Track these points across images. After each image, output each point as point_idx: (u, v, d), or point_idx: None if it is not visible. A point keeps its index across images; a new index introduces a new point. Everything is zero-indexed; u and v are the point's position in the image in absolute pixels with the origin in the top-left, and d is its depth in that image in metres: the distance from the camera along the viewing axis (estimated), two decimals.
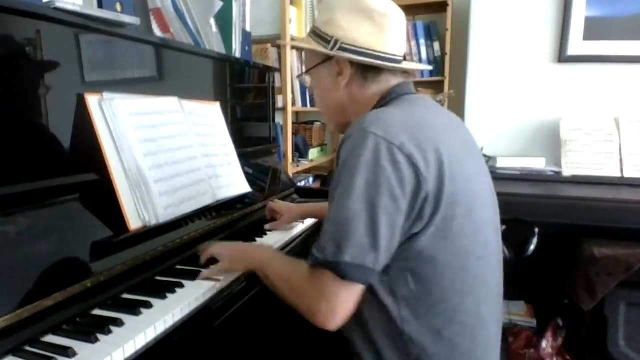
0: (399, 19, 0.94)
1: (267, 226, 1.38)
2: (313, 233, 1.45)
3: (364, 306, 0.83)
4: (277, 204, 1.45)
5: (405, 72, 0.98)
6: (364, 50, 0.91)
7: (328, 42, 0.93)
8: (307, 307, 0.81)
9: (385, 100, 0.93)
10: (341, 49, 0.91)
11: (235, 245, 1.08)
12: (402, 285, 0.81)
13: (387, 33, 0.92)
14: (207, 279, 0.96)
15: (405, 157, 0.77)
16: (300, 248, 1.34)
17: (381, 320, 0.83)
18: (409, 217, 0.78)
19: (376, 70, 0.93)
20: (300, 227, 1.44)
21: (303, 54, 2.53)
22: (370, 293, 0.82)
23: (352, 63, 0.93)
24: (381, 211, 0.75)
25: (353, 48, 0.91)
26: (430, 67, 0.89)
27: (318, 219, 1.48)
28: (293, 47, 2.30)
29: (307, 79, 1.04)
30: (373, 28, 0.91)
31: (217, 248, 1.03)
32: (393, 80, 0.95)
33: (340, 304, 0.77)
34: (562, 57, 2.13)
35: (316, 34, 0.96)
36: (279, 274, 0.90)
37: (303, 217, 1.45)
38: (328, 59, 0.95)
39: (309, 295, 0.80)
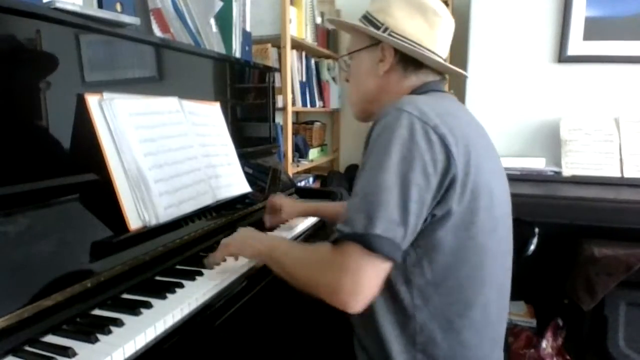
0: (450, 23, 0.96)
1: (265, 220, 1.36)
2: (314, 233, 1.45)
3: None
4: (279, 199, 1.41)
5: (441, 74, 0.99)
6: (410, 42, 0.92)
7: (378, 27, 0.94)
8: (327, 284, 0.76)
9: (416, 92, 0.94)
10: (390, 36, 0.93)
11: (244, 232, 1.05)
12: (418, 274, 0.81)
13: (436, 31, 0.93)
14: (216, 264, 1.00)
15: (439, 138, 0.78)
16: None
17: (391, 307, 0.83)
18: (435, 197, 0.78)
19: (417, 64, 0.95)
20: (301, 226, 1.44)
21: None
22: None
23: (396, 52, 0.94)
24: (413, 186, 0.75)
25: (401, 38, 0.92)
26: (467, 75, 0.89)
27: (320, 217, 1.47)
28: (294, 47, 2.29)
29: (346, 62, 1.05)
30: (424, 24, 0.93)
31: (228, 237, 1.02)
32: (430, 77, 0.97)
33: (364, 280, 0.74)
34: (562, 57, 2.13)
35: (367, 19, 0.97)
36: (292, 255, 0.88)
37: (305, 215, 1.43)
38: (373, 44, 0.96)
39: (330, 271, 0.76)
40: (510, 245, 0.94)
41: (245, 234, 1.02)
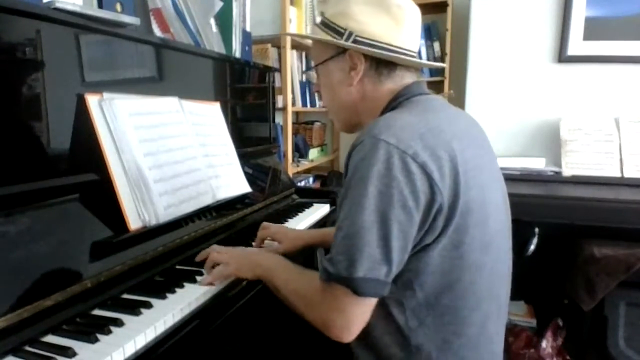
0: (415, 13, 0.90)
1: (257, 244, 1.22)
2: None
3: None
4: (270, 230, 1.22)
5: (418, 70, 0.94)
6: (379, 44, 0.87)
7: (341, 34, 0.88)
8: (320, 320, 0.79)
9: (398, 100, 0.89)
10: (355, 42, 0.87)
11: (241, 251, 1.02)
12: (409, 296, 0.79)
13: (403, 27, 0.88)
14: (209, 283, 0.93)
15: (419, 167, 0.73)
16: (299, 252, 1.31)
17: (387, 329, 0.81)
18: (421, 229, 0.75)
19: (391, 66, 0.90)
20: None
21: (306, 51, 2.52)
22: (377, 302, 0.80)
23: (366, 57, 0.88)
24: (393, 223, 0.72)
25: (368, 41, 0.87)
26: (444, 65, 0.83)
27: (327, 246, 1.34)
28: (294, 47, 2.29)
29: (314, 75, 0.98)
30: (390, 21, 0.87)
31: (222, 253, 0.98)
32: (407, 78, 0.91)
33: (355, 317, 0.76)
34: (562, 57, 2.12)
35: (327, 25, 0.91)
36: (288, 286, 0.87)
37: (309, 246, 1.26)
38: (340, 52, 0.90)
39: (322, 308, 0.78)
40: (509, 253, 0.91)
41: (243, 254, 0.99)
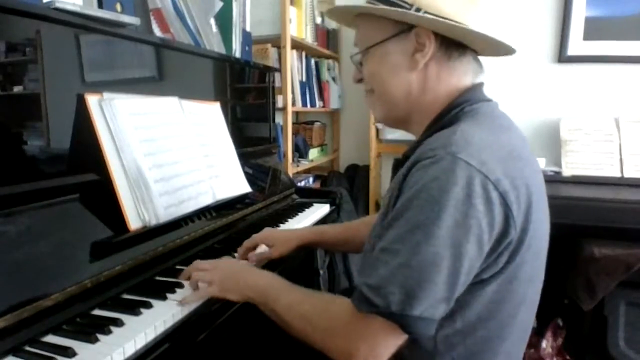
0: None
1: (244, 256, 1.10)
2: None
3: None
4: (256, 238, 1.11)
5: (481, 67, 0.83)
6: (450, 22, 0.74)
7: (406, 9, 0.75)
8: (341, 348, 0.69)
9: (460, 105, 0.78)
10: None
11: (228, 268, 0.92)
12: (447, 325, 0.72)
13: (478, 6, 0.76)
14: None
15: (500, 197, 0.65)
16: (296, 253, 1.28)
17: (407, 350, 0.73)
18: (486, 261, 0.68)
19: (461, 49, 0.78)
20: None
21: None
22: None
23: (437, 36, 0.75)
24: (465, 259, 0.64)
25: (437, 18, 0.74)
26: (515, 50, 0.72)
27: (323, 247, 1.29)
28: (294, 47, 2.29)
29: (358, 59, 0.86)
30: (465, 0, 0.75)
31: (206, 271, 0.89)
32: (470, 74, 0.80)
33: (383, 351, 0.67)
34: (562, 57, 2.13)
35: (386, 0, 0.77)
36: (293, 309, 0.77)
37: (305, 245, 1.17)
38: (403, 31, 0.77)
39: (345, 336, 0.69)
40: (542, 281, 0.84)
41: (229, 272, 0.89)
